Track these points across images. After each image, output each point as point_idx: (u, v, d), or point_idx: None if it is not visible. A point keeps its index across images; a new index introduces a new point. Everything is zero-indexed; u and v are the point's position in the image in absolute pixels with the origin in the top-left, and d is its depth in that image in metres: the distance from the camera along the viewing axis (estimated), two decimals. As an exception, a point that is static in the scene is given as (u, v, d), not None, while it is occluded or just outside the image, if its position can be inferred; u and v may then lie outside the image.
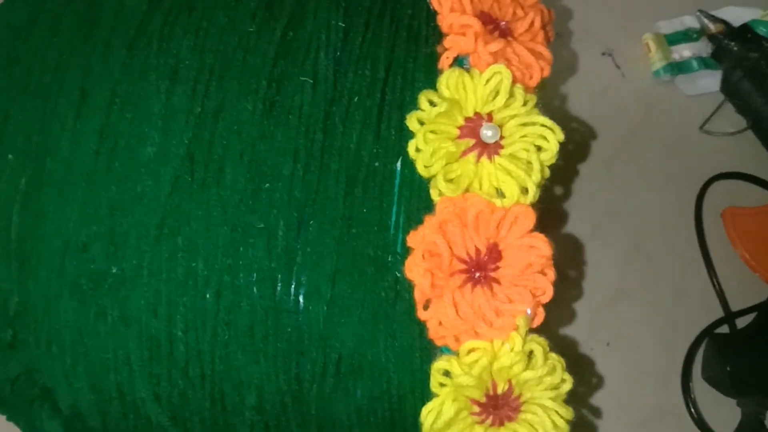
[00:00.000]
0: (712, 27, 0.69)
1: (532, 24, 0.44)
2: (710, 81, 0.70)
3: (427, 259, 0.38)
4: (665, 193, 0.68)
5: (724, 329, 0.64)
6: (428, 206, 0.39)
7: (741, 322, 0.64)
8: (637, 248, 0.66)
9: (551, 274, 0.39)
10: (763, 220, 0.67)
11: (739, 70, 0.68)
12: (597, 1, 0.73)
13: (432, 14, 0.43)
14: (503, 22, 0.43)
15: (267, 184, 0.39)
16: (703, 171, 0.68)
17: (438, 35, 0.42)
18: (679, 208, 0.67)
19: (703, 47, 0.71)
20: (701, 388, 0.62)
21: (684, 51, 0.71)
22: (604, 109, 0.70)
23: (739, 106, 0.69)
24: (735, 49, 0.68)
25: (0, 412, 0.47)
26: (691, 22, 0.72)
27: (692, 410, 0.61)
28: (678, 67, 0.70)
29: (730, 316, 0.64)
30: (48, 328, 0.40)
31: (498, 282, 0.39)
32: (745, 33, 0.68)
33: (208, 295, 0.39)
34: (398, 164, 0.40)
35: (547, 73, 0.43)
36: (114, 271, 0.39)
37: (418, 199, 0.40)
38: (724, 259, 0.66)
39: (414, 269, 0.38)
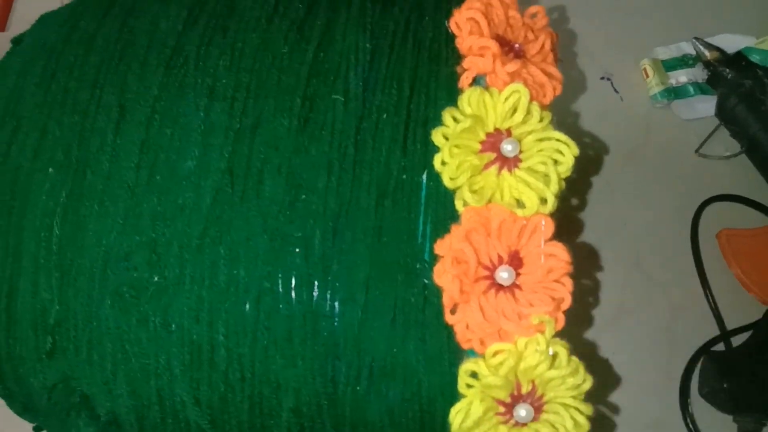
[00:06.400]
0: (708, 54, 0.71)
1: (543, 46, 0.46)
2: (706, 106, 0.72)
3: (454, 265, 0.39)
4: (662, 214, 0.69)
5: (720, 347, 0.64)
6: (453, 216, 0.41)
7: (736, 341, 0.65)
8: (636, 266, 0.67)
9: (569, 282, 0.41)
10: (757, 241, 0.68)
11: (733, 97, 0.69)
12: (596, 26, 0.75)
13: (450, 37, 0.45)
14: (517, 45, 0.46)
15: (303, 196, 0.40)
16: (698, 193, 0.69)
17: (456, 56, 0.44)
18: (675, 229, 0.68)
19: (699, 73, 0.72)
20: (698, 404, 0.63)
21: (680, 76, 0.72)
22: (603, 132, 0.71)
23: (733, 130, 0.71)
24: (729, 76, 0.70)
25: (32, 422, 0.47)
26: (687, 48, 0.74)
27: (690, 426, 0.62)
28: (675, 92, 0.72)
29: (725, 334, 0.65)
30: (89, 335, 0.41)
31: (520, 288, 0.40)
32: (739, 60, 0.70)
33: (248, 301, 0.40)
34: (424, 176, 0.42)
35: (559, 91, 0.45)
36: (156, 279, 0.40)
37: (443, 209, 0.41)
38: (720, 278, 0.67)
39: (443, 275, 0.39)
